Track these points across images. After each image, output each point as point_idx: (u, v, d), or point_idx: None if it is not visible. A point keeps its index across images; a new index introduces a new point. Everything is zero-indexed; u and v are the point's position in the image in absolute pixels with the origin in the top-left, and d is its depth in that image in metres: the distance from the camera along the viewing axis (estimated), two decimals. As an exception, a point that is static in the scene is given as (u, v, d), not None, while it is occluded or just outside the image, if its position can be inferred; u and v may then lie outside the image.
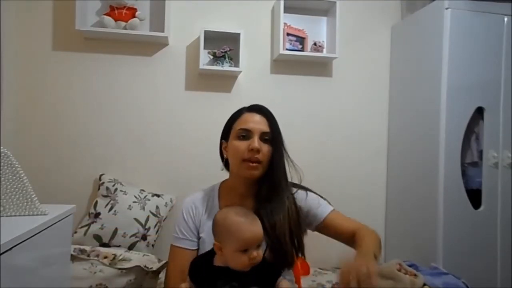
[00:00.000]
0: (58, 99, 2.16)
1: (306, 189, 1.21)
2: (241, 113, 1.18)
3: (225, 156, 1.19)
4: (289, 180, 1.19)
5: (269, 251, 1.06)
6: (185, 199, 1.22)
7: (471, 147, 2.12)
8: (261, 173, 1.12)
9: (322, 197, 1.21)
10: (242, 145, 1.11)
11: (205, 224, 1.14)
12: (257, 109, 1.18)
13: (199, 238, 1.15)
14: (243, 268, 0.94)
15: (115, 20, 2.10)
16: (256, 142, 1.09)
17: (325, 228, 1.15)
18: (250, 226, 0.96)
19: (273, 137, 1.13)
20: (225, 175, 1.25)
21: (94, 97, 2.19)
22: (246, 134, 1.12)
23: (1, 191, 1.20)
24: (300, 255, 1.15)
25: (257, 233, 0.96)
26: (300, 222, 1.14)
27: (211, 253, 1.03)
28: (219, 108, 2.31)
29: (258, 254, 0.96)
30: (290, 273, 1.20)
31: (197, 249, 1.15)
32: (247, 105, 1.23)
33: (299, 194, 1.18)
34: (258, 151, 1.09)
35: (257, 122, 1.13)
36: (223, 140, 1.22)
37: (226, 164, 1.21)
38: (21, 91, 2.10)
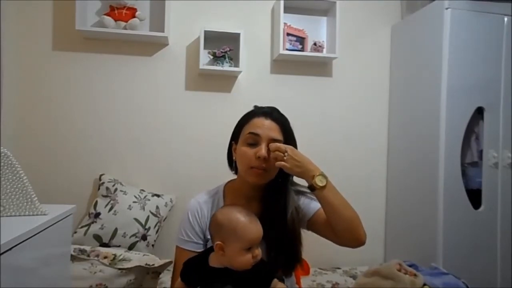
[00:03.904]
0: (58, 99, 2.16)
1: (301, 191, 1.21)
2: (252, 117, 1.14)
3: (234, 158, 1.18)
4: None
5: (277, 254, 1.07)
6: (190, 201, 1.21)
7: (471, 147, 2.12)
8: (267, 180, 1.12)
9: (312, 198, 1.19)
10: (250, 152, 1.09)
11: None
12: (268, 113, 1.14)
13: (206, 240, 1.15)
14: (246, 266, 0.96)
15: (115, 20, 2.10)
16: (263, 150, 1.08)
17: (316, 222, 1.14)
18: (255, 226, 0.98)
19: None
20: (227, 175, 1.25)
21: (94, 97, 2.19)
22: (254, 140, 1.10)
23: (1, 191, 1.20)
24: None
25: (260, 231, 0.99)
26: (299, 223, 1.15)
27: (205, 254, 1.04)
28: (219, 108, 2.31)
29: (259, 251, 0.98)
30: (292, 279, 1.20)
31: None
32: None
33: (295, 195, 1.18)
34: (265, 159, 1.07)
35: (267, 128, 1.10)
36: (233, 142, 1.20)
37: (234, 165, 1.19)
38: (21, 91, 2.10)
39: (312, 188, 1.05)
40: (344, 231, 1.06)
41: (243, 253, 0.95)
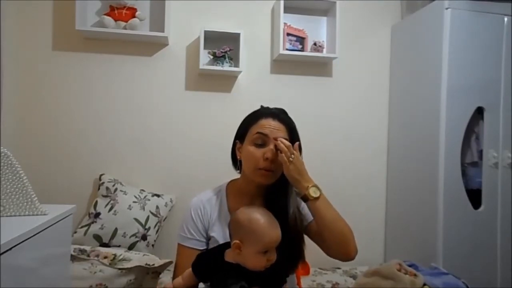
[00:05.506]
0: (58, 99, 2.16)
1: None
2: (259, 117, 1.15)
3: (238, 157, 1.18)
4: None
5: (281, 252, 1.07)
6: (192, 199, 1.21)
7: (471, 147, 2.12)
8: (273, 181, 1.12)
9: None
10: (258, 152, 1.10)
11: (215, 225, 1.15)
12: (276, 114, 1.15)
13: (208, 238, 1.16)
14: (259, 268, 0.96)
15: (115, 20, 2.10)
16: (271, 151, 1.09)
17: (311, 230, 1.15)
18: (274, 230, 0.98)
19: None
20: (227, 174, 1.25)
21: (94, 97, 2.19)
22: (263, 141, 1.11)
23: (1, 191, 1.20)
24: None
25: (279, 236, 0.99)
26: (302, 222, 1.15)
27: (220, 248, 1.04)
28: (219, 108, 2.31)
29: (275, 256, 0.98)
30: (293, 276, 1.20)
31: (205, 249, 1.15)
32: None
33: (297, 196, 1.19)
34: (272, 160, 1.08)
35: (274, 129, 1.11)
36: (237, 141, 1.20)
37: (239, 164, 1.19)
38: (21, 91, 2.10)
39: (305, 198, 1.07)
40: (333, 244, 1.08)
41: (259, 255, 0.96)
